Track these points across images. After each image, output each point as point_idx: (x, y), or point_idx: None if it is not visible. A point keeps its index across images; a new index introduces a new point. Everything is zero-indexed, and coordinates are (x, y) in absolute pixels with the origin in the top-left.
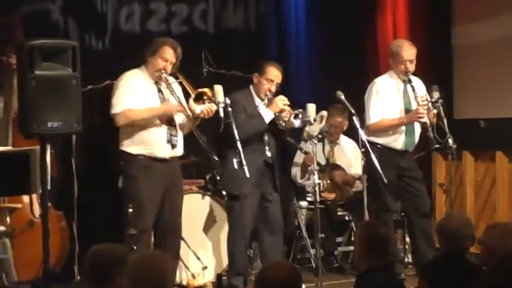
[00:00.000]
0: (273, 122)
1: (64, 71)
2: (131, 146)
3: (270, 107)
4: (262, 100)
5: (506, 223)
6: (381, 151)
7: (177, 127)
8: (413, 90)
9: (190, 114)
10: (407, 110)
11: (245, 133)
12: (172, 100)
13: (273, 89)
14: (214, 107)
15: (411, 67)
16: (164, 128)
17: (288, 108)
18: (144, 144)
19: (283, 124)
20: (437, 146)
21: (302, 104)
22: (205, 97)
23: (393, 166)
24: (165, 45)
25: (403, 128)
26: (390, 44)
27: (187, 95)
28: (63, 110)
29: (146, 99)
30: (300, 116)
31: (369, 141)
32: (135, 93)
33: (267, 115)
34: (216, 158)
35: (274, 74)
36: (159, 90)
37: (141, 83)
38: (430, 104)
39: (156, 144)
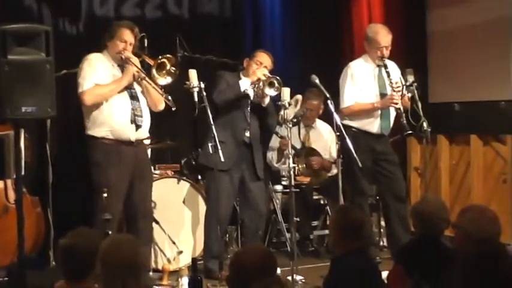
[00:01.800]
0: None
1: (37, 56)
2: (95, 129)
3: (249, 76)
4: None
5: (480, 206)
6: (356, 135)
7: (143, 107)
8: (389, 75)
9: (150, 81)
10: (382, 94)
11: (220, 99)
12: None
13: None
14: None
15: (387, 53)
16: (128, 108)
17: (265, 78)
18: (107, 125)
19: (259, 94)
20: (410, 132)
21: None
22: (168, 66)
23: (368, 150)
24: (122, 27)
25: (378, 112)
26: (366, 29)
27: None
28: (37, 94)
29: (111, 80)
30: (275, 84)
31: (343, 125)
32: (101, 72)
33: (243, 83)
34: (173, 105)
35: (264, 58)
36: (123, 72)
37: (105, 64)
38: (404, 88)
39: (119, 124)
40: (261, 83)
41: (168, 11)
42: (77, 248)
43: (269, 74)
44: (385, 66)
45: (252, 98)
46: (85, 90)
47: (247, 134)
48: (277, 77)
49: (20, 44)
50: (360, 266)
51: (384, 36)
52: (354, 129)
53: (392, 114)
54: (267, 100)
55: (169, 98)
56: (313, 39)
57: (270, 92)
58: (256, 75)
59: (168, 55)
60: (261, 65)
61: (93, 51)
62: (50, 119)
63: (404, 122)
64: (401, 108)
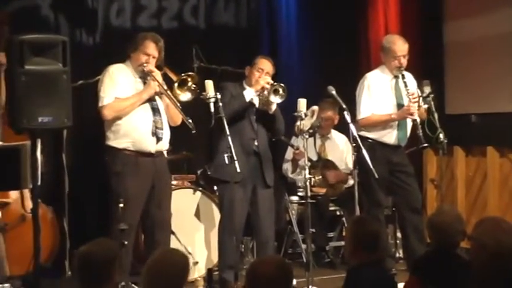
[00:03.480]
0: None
1: (54, 66)
2: (116, 140)
3: (253, 85)
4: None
5: (495, 218)
6: (372, 146)
7: (163, 120)
8: (406, 85)
9: (173, 98)
10: (399, 105)
11: (226, 111)
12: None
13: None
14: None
15: (404, 62)
16: (150, 121)
17: (269, 86)
18: (128, 137)
19: (264, 101)
20: (426, 145)
21: (293, 99)
22: (189, 83)
23: (385, 161)
24: (147, 39)
25: (396, 122)
26: (383, 39)
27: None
28: (53, 105)
29: (132, 92)
30: (280, 90)
31: (360, 136)
32: (121, 85)
33: (248, 93)
34: (193, 127)
35: (264, 64)
36: (144, 84)
37: (126, 76)
38: (421, 99)
39: (140, 136)
40: (265, 91)
41: (184, 21)
42: (95, 256)
43: (272, 82)
44: (403, 76)
45: (257, 106)
46: (105, 105)
47: (256, 143)
48: (282, 84)
49: (37, 54)
50: (375, 278)
51: (400, 46)
52: (370, 140)
53: (409, 124)
54: (273, 107)
55: (190, 120)
56: (330, 50)
57: (276, 99)
58: (259, 84)
59: (191, 73)
60: (263, 71)
61: (110, 62)
62: (66, 129)
63: (421, 134)
64: (418, 120)
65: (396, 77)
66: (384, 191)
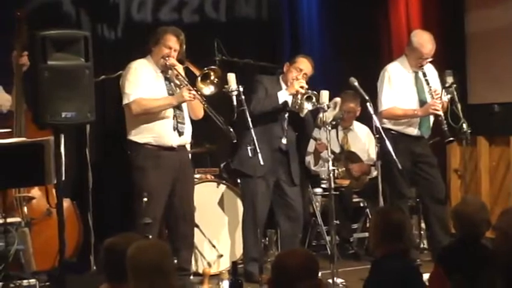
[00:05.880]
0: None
1: (77, 61)
2: (138, 135)
3: (287, 88)
4: None
5: None
6: (396, 137)
7: (185, 114)
8: (428, 83)
9: (200, 98)
10: (421, 101)
11: (258, 109)
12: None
13: (300, 77)
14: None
15: (426, 63)
16: (171, 116)
17: (303, 91)
18: (150, 132)
19: (296, 107)
20: (451, 139)
21: (316, 91)
22: (212, 77)
23: (408, 152)
24: (168, 33)
25: (417, 118)
26: (412, 34)
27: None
28: (76, 100)
29: (154, 87)
30: (313, 98)
31: (383, 128)
32: (144, 82)
33: (282, 95)
34: (234, 137)
35: (304, 64)
36: (166, 79)
37: (148, 71)
38: (443, 91)
39: (162, 131)
40: (299, 96)
41: (206, 15)
42: (120, 248)
43: (306, 86)
44: (424, 74)
45: (290, 105)
46: (132, 101)
47: (284, 141)
48: (315, 92)
49: (59, 50)
50: (400, 269)
51: (428, 49)
52: (393, 131)
53: (432, 118)
54: (305, 111)
55: (231, 129)
56: (351, 41)
57: (308, 106)
58: (294, 87)
59: (213, 67)
60: (301, 72)
61: (132, 56)
62: (89, 124)
63: (446, 128)
64: (443, 116)
65: (415, 72)
66: (408, 182)
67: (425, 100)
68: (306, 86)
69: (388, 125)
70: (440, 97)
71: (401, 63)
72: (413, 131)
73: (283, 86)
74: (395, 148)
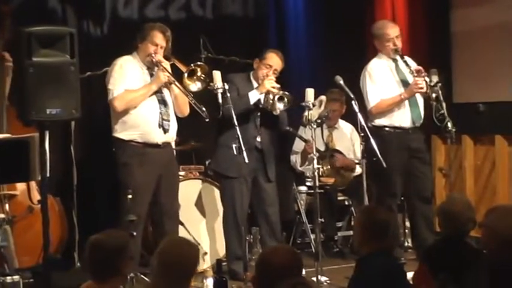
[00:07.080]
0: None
1: (62, 58)
2: (123, 132)
3: (258, 88)
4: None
5: (506, 206)
6: (389, 134)
7: (170, 111)
8: (407, 64)
9: (181, 87)
10: (405, 84)
11: (230, 112)
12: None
13: (271, 74)
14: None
15: (399, 43)
16: (156, 113)
17: (275, 90)
18: (135, 129)
19: (268, 107)
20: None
21: (301, 89)
22: (199, 73)
23: (404, 148)
24: (154, 29)
25: (406, 103)
26: (372, 28)
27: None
28: (61, 96)
29: (139, 84)
30: (285, 99)
31: (375, 126)
32: (129, 78)
33: (253, 95)
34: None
35: (273, 60)
36: (152, 76)
37: (134, 68)
38: (428, 88)
39: (148, 128)
40: (270, 95)
41: (192, 12)
42: (105, 246)
43: (278, 86)
44: (402, 57)
45: (262, 103)
46: (116, 96)
47: (258, 139)
48: (287, 93)
49: (44, 46)
50: (385, 267)
51: (391, 28)
52: (386, 128)
53: (421, 101)
54: (278, 111)
55: (204, 109)
56: (337, 39)
57: (280, 106)
58: (265, 87)
59: (200, 63)
60: (271, 68)
61: (118, 53)
62: (74, 120)
63: (435, 103)
64: (428, 91)
65: (395, 60)
66: (402, 179)
67: (408, 82)
68: (278, 86)
69: (381, 121)
70: (423, 76)
71: (379, 57)
72: (407, 122)
73: (254, 83)
74: (390, 146)
